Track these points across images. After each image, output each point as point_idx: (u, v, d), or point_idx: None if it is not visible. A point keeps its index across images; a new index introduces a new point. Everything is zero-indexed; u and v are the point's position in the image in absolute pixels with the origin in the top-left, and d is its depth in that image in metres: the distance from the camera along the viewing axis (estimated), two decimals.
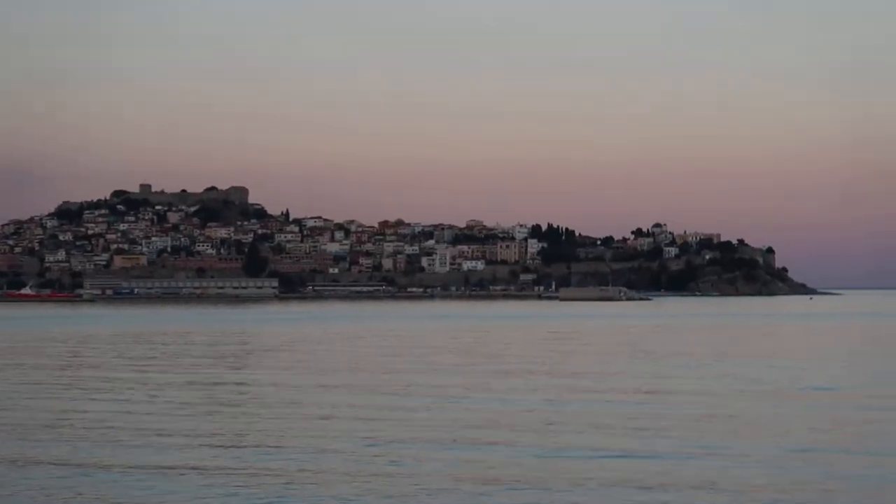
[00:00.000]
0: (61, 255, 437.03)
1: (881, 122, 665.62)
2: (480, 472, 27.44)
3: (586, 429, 35.32)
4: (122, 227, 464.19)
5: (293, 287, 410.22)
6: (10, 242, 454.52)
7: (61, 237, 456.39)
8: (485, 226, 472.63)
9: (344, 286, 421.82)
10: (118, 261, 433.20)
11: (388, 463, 28.90)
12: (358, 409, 40.63)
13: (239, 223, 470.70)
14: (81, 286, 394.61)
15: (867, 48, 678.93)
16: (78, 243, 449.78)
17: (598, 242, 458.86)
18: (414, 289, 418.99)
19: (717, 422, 37.10)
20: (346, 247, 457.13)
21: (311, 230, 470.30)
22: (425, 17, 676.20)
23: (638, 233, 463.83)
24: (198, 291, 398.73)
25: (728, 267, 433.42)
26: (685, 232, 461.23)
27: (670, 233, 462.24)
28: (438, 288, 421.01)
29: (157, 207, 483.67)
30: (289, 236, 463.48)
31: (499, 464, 28.69)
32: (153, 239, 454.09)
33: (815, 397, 45.37)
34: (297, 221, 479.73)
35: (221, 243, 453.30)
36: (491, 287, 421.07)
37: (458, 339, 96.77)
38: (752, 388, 49.21)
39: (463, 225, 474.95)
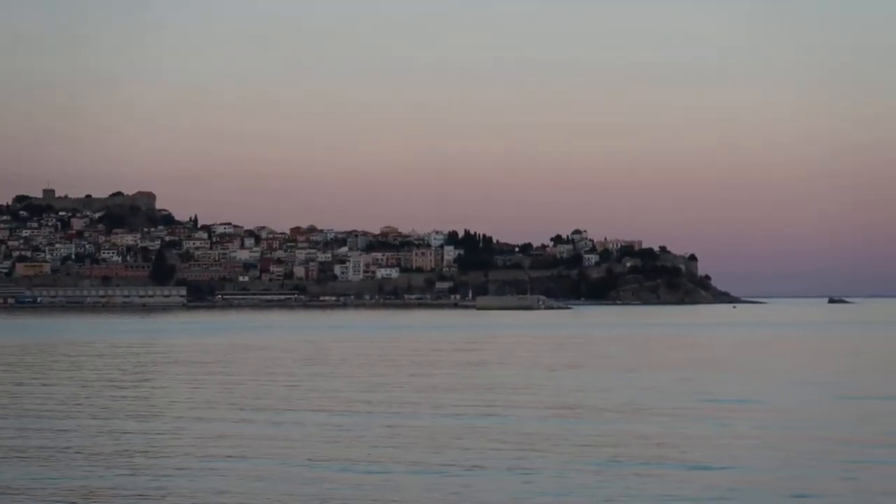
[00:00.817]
0: None
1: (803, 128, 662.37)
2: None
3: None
4: (25, 233, 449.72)
5: (202, 296, 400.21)
6: None
7: None
8: (400, 232, 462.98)
9: (254, 294, 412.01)
10: (20, 268, 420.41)
11: None
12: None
13: (145, 230, 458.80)
14: None
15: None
16: None
17: (517, 249, 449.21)
18: (327, 297, 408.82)
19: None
20: (257, 254, 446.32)
21: (221, 237, 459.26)
22: (322, 17, 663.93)
23: (557, 240, 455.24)
24: (103, 300, 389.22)
25: (650, 275, 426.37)
26: (606, 239, 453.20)
27: (590, 240, 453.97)
28: (352, 296, 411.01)
29: (61, 213, 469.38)
30: (197, 243, 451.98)
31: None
32: (57, 246, 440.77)
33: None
34: (206, 228, 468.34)
35: (127, 250, 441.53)
36: (406, 296, 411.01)
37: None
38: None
39: (377, 232, 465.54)
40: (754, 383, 55.61)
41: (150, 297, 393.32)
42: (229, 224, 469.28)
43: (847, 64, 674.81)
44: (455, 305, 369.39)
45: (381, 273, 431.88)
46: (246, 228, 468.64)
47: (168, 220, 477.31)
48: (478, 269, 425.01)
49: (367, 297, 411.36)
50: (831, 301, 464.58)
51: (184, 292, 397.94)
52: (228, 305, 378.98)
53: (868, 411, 42.10)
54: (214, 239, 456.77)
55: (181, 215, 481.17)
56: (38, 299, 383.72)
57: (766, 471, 28.23)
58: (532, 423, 38.27)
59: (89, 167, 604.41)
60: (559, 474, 27.60)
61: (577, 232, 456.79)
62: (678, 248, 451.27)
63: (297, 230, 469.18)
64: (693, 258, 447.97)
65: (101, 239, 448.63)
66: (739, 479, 27.15)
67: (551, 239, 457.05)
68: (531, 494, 25.36)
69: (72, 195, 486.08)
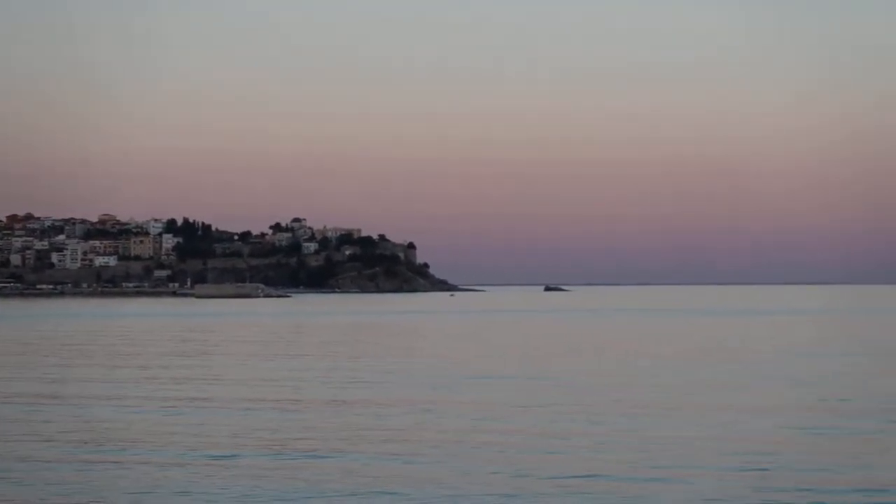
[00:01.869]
0: None
1: (538, 119, 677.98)
2: None
3: None
4: None
5: None
6: None
7: None
8: (118, 220, 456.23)
9: None
10: None
11: None
12: None
13: None
14: None
15: None
16: None
17: (236, 237, 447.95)
18: (44, 286, 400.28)
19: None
20: None
21: None
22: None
23: (277, 228, 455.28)
24: None
25: (369, 263, 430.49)
26: (325, 227, 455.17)
27: (310, 228, 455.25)
28: (69, 284, 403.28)
29: None
30: None
31: None
32: None
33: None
34: None
35: None
36: (124, 284, 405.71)
37: None
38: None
39: (96, 219, 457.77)
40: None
41: None
42: None
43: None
44: (174, 294, 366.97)
45: (99, 261, 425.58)
46: None
47: None
48: (197, 258, 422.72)
49: (85, 285, 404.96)
50: (547, 289, 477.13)
51: None
52: None
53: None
54: None
55: None
56: None
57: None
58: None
59: None
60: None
61: (296, 220, 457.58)
62: (397, 237, 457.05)
63: (13, 217, 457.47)
64: (412, 246, 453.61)
65: None
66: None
67: (270, 227, 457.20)
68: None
69: None
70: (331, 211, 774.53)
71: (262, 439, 31.45)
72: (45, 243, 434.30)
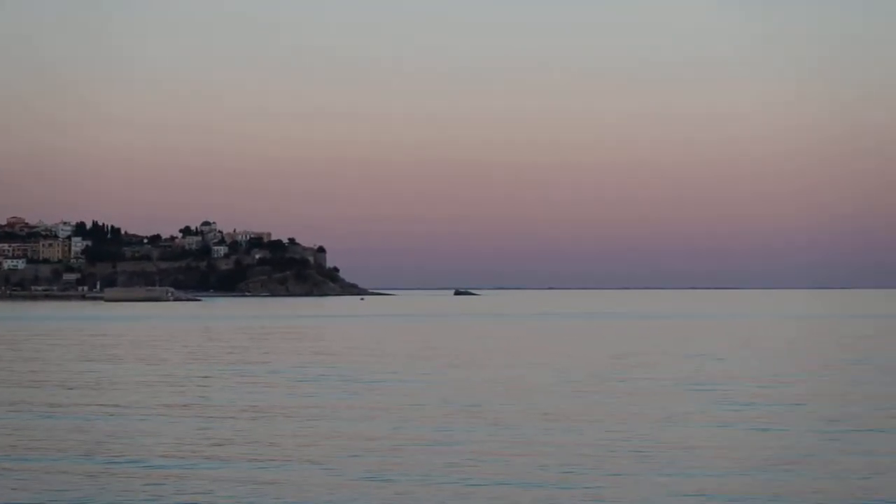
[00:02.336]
0: None
1: (451, 121, 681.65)
2: None
3: None
4: None
5: None
6: None
7: None
8: (27, 223, 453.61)
9: None
10: None
11: None
12: None
13: None
14: None
15: None
16: None
17: (146, 241, 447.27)
18: None
19: None
20: None
21: None
22: None
23: (186, 231, 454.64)
24: None
25: (279, 266, 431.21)
26: (235, 230, 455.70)
27: (220, 231, 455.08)
28: None
29: None
30: None
31: None
32: None
33: None
34: None
35: None
36: (33, 287, 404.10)
37: None
38: None
39: (4, 222, 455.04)
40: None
41: None
42: None
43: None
44: (83, 297, 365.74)
45: (7, 264, 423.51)
46: None
47: None
48: (106, 261, 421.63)
49: None
50: (457, 293, 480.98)
51: None
52: None
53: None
54: None
55: None
56: None
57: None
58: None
59: None
60: None
61: (206, 223, 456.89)
62: (307, 241, 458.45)
63: None
64: (322, 250, 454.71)
65: None
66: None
67: (180, 230, 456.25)
68: None
69: None
70: (241, 214, 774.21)
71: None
72: None
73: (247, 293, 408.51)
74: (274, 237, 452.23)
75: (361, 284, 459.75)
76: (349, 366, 64.30)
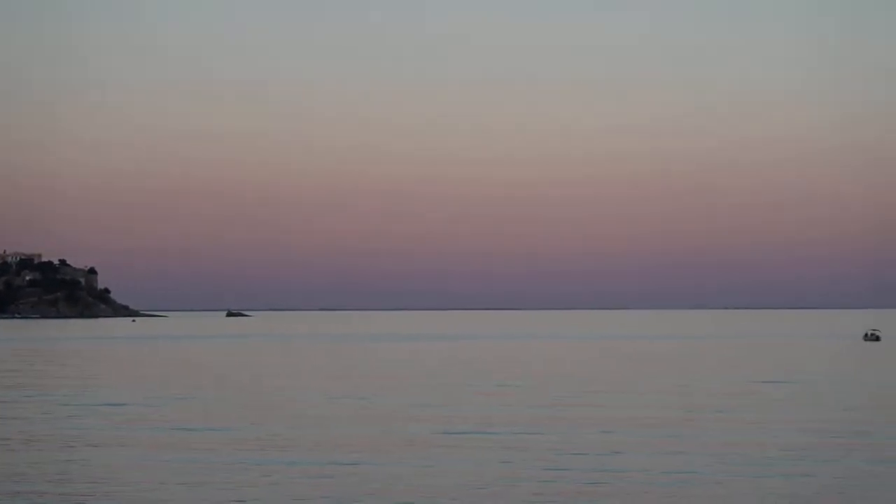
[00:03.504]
0: None
1: (213, 140, 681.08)
2: None
3: None
4: None
5: None
6: None
7: None
8: None
9: None
10: None
11: None
12: None
13: None
14: None
15: None
16: None
17: None
18: None
19: None
20: None
21: None
22: None
23: None
24: None
25: (49, 288, 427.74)
26: (5, 251, 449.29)
27: None
28: None
29: None
30: None
31: None
32: None
33: None
34: None
35: None
36: None
37: None
38: None
39: None
40: None
41: None
42: None
43: None
44: None
45: None
46: None
47: None
48: None
49: None
50: (230, 314, 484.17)
51: None
52: None
53: None
54: None
55: None
56: None
57: None
58: None
59: None
60: None
61: None
62: (78, 262, 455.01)
63: None
64: (93, 271, 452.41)
65: None
66: None
67: None
68: None
69: None
70: (10, 235, 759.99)
71: None
72: None
73: (17, 315, 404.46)
74: (45, 258, 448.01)
75: (133, 306, 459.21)
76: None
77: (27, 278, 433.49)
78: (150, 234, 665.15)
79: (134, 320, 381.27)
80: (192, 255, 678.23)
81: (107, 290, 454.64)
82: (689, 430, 43.95)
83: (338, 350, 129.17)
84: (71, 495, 29.69)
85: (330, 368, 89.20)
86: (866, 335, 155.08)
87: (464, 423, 46.36)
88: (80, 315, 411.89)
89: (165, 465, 34.84)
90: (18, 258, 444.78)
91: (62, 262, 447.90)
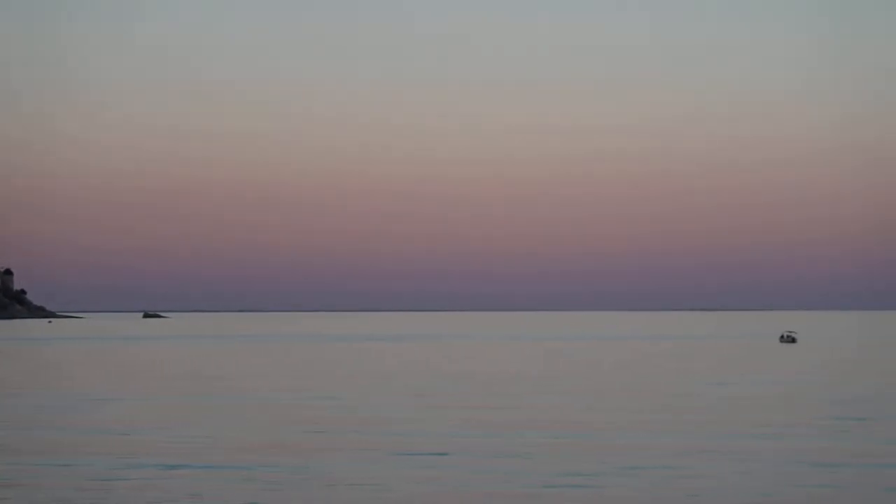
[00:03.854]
0: None
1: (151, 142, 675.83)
2: None
3: None
4: None
5: None
6: None
7: None
8: None
9: None
10: None
11: None
12: None
13: None
14: None
15: None
16: None
17: None
18: None
19: None
20: None
21: None
22: None
23: None
24: None
25: None
26: None
27: None
28: None
29: None
30: None
31: None
32: None
33: None
34: None
35: None
36: None
37: None
38: None
39: None
40: None
41: None
42: None
43: None
44: None
45: None
46: None
47: None
48: None
49: None
50: (146, 315, 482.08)
51: None
52: None
53: None
54: None
55: None
56: None
57: None
58: None
59: None
60: None
61: None
62: None
63: None
64: (9, 272, 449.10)
65: None
66: None
67: None
68: None
69: None
70: None
71: None
72: None
73: None
74: None
75: (50, 307, 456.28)
76: None
77: None
78: (67, 236, 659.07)
79: (50, 321, 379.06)
80: (111, 258, 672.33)
81: (23, 291, 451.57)
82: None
83: (257, 350, 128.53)
84: None
85: (227, 368, 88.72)
86: (782, 337, 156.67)
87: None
88: None
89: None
90: None
91: None
